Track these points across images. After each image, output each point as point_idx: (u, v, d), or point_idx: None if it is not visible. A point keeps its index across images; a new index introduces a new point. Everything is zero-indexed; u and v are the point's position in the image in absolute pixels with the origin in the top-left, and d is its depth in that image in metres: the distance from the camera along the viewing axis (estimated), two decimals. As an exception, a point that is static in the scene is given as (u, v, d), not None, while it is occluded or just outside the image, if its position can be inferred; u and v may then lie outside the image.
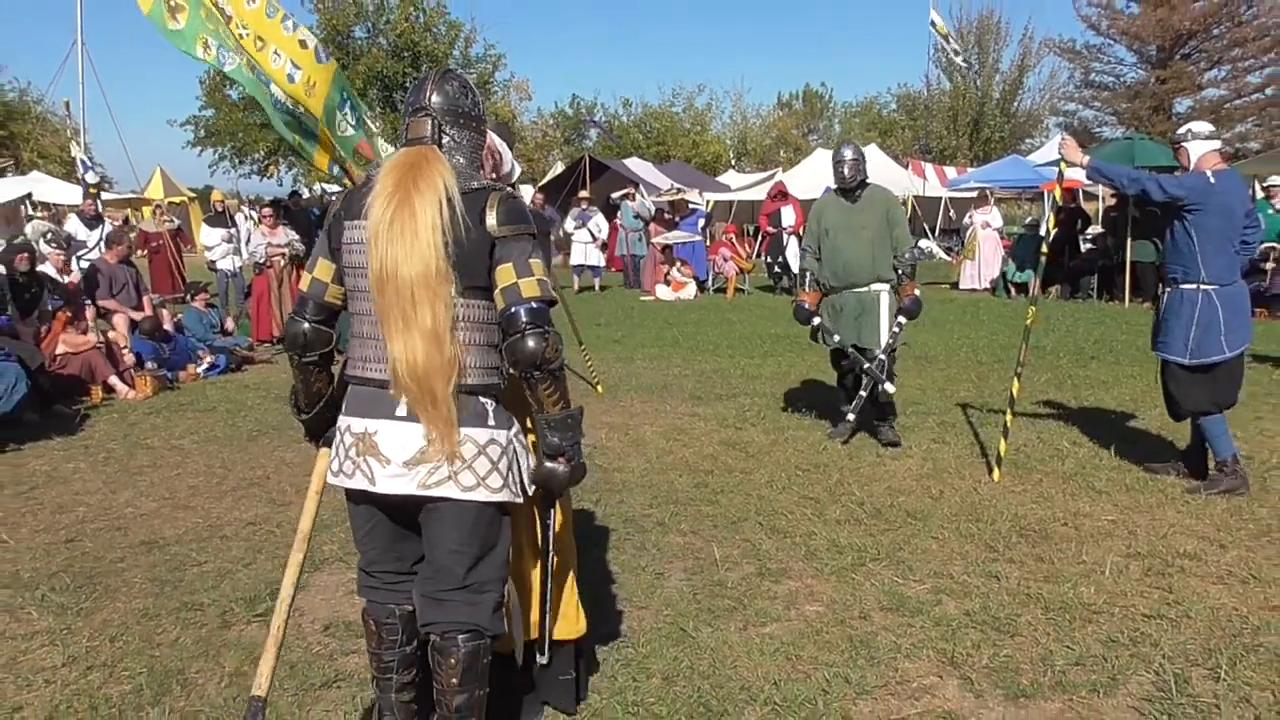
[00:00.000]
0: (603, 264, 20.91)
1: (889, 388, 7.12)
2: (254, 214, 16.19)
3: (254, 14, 8.12)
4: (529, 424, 3.11)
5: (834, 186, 7.44)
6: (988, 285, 19.20)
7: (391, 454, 2.85)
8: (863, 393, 7.20)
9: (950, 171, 29.19)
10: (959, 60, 36.90)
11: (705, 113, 46.90)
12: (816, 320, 7.34)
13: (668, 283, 18.63)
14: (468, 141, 3.04)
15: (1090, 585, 4.52)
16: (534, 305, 2.82)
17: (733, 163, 42.95)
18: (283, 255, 12.90)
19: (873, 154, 30.56)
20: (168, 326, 10.73)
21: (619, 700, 3.55)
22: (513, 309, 2.82)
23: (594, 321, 14.38)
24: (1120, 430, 7.46)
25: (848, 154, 7.27)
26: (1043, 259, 7.21)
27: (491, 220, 2.83)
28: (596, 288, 20.10)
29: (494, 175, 3.42)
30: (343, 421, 2.99)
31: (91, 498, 6.11)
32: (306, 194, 25.77)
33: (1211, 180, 5.87)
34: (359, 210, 2.85)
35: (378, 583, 3.11)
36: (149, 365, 9.72)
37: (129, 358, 9.62)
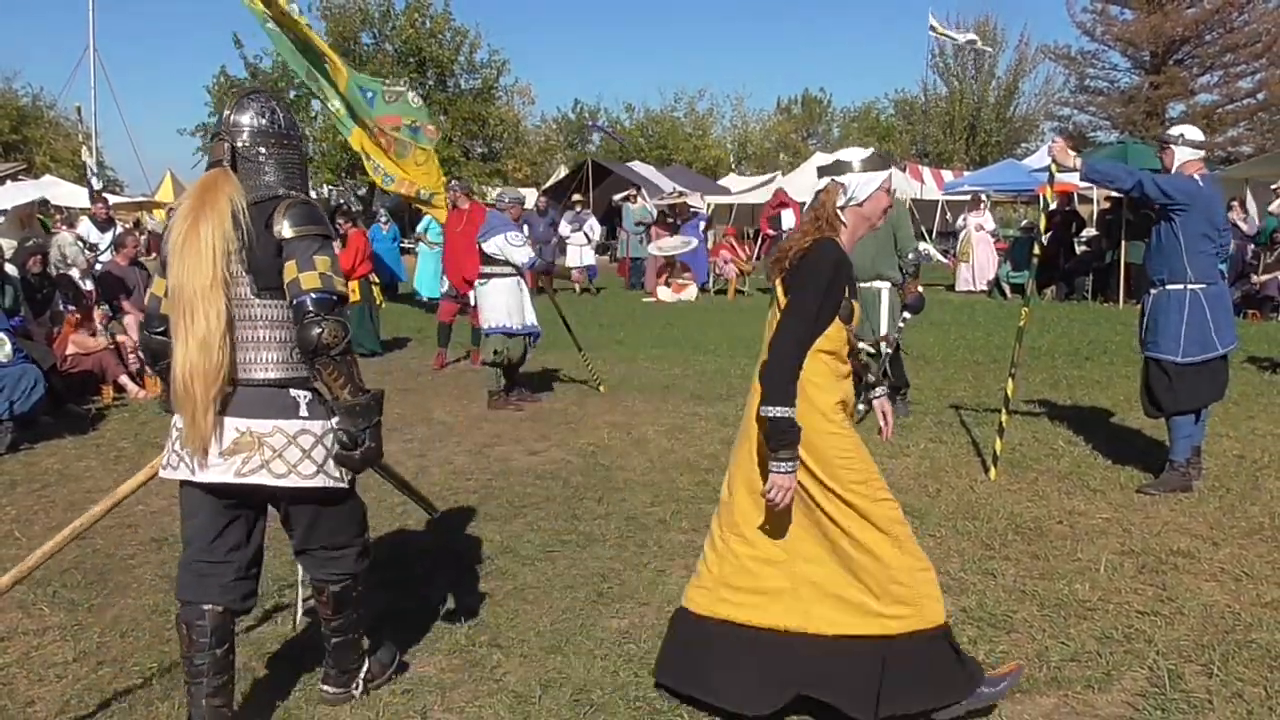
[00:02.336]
0: (597, 264, 21.08)
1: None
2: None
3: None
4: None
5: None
6: (984, 287, 19.28)
7: (213, 445, 3.09)
8: (870, 377, 7.28)
9: (947, 175, 29.34)
10: (962, 40, 36.70)
11: (706, 117, 47.09)
12: None
13: (669, 284, 18.70)
14: (272, 157, 3.25)
15: (1085, 582, 4.58)
16: (315, 296, 3.05)
17: (733, 166, 43.07)
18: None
19: (870, 157, 30.73)
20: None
21: (621, 696, 3.60)
22: (296, 300, 3.06)
23: (596, 322, 14.46)
24: (1115, 430, 7.53)
25: (856, 161, 7.27)
26: (1034, 260, 7.29)
27: (278, 226, 3.10)
28: (592, 288, 20.21)
29: None
30: (175, 419, 3.20)
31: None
32: (315, 197, 25.87)
33: (1200, 184, 5.95)
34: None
35: (192, 577, 3.22)
36: (160, 365, 9.78)
37: (137, 358, 9.67)
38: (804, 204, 20.32)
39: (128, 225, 15.93)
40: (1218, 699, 3.54)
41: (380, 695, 3.61)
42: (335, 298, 3.09)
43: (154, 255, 15.06)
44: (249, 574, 3.30)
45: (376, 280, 11.94)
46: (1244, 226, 16.11)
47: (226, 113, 3.29)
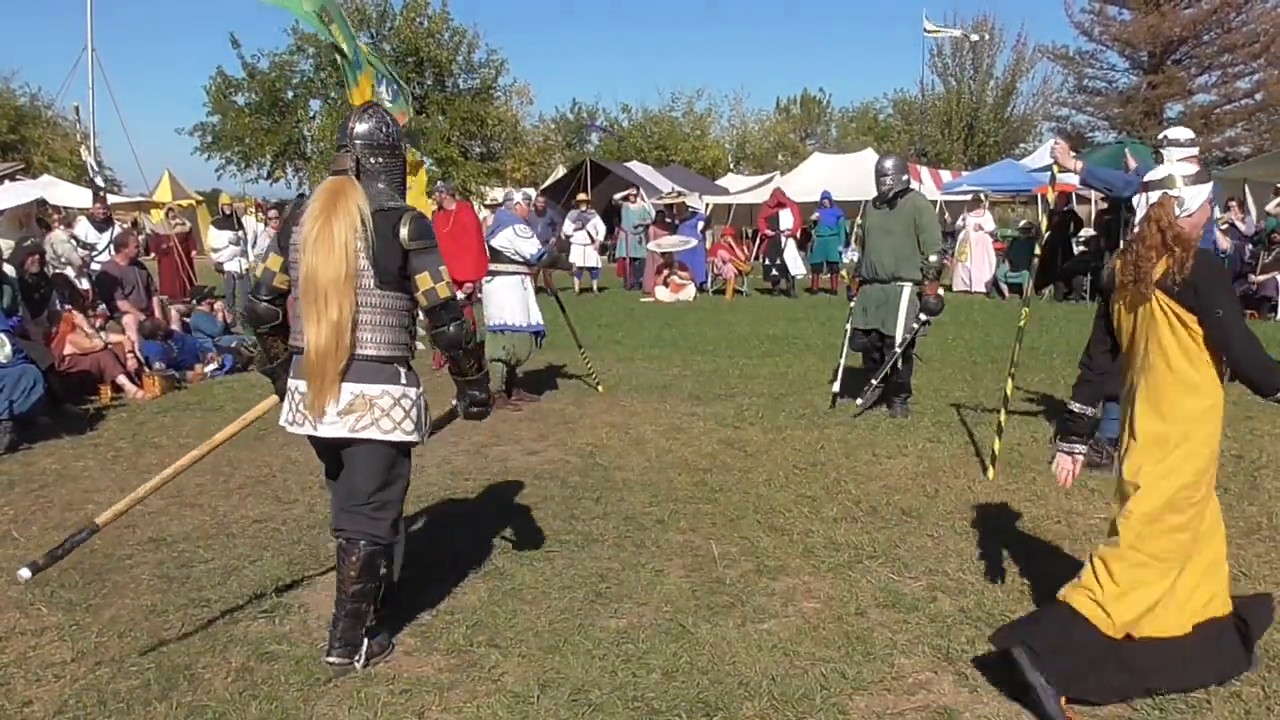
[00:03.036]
0: (600, 265, 21.00)
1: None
2: (262, 216, 16.23)
3: None
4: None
5: (874, 195, 8.32)
6: (981, 287, 19.28)
7: (327, 406, 3.71)
8: (881, 373, 8.03)
9: (945, 175, 29.33)
10: (957, 34, 36.70)
11: (705, 117, 47.06)
12: (852, 304, 8.43)
13: (667, 284, 18.71)
14: (384, 166, 3.86)
15: (1083, 582, 4.58)
16: (444, 301, 3.79)
17: (731, 166, 43.09)
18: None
19: (868, 158, 30.70)
20: (174, 326, 10.81)
21: (619, 695, 3.61)
22: (434, 307, 3.78)
23: (595, 322, 14.45)
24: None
25: (887, 167, 8.19)
26: (1035, 260, 7.28)
27: (403, 234, 3.70)
28: (595, 289, 20.19)
29: None
30: (291, 383, 3.87)
31: (100, 495, 6.16)
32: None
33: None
34: (296, 219, 3.76)
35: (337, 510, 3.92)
36: (157, 365, 9.78)
37: (131, 357, 9.67)
38: (801, 204, 20.29)
39: (126, 225, 15.91)
40: (1215, 699, 3.55)
41: (378, 695, 3.61)
42: (453, 302, 3.84)
43: (152, 255, 15.05)
44: None
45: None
46: (1242, 226, 16.14)
47: (350, 124, 3.86)
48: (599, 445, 7.27)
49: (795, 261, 19.91)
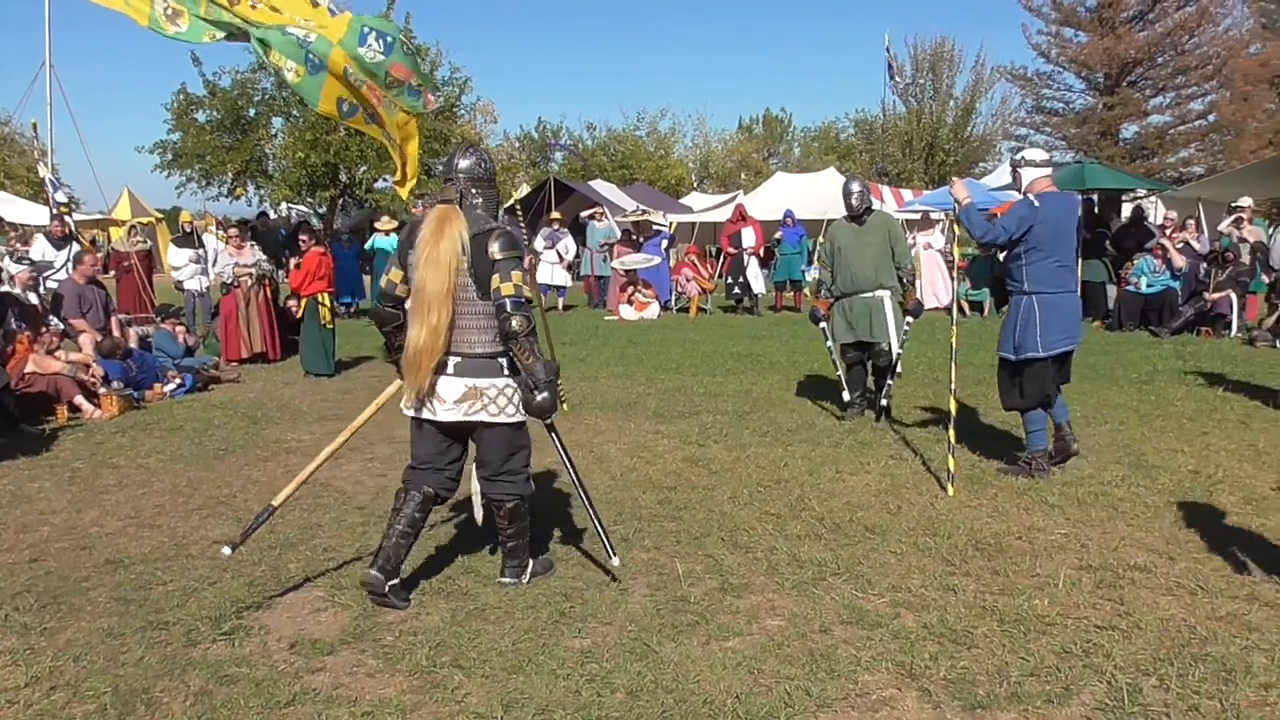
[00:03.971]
0: (568, 284, 20.94)
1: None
2: (222, 234, 16.09)
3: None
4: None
5: (844, 214, 8.86)
6: (937, 304, 19.38)
7: (446, 396, 4.57)
8: (884, 380, 8.63)
9: (906, 194, 29.59)
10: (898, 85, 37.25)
11: (668, 136, 47.24)
12: (824, 324, 8.83)
13: (631, 303, 18.72)
14: (483, 195, 4.68)
15: (1044, 598, 4.62)
16: (510, 300, 4.44)
17: (695, 185, 43.25)
18: (250, 275, 12.84)
19: (831, 177, 30.96)
20: (132, 344, 10.68)
21: (584, 715, 3.59)
22: (498, 303, 4.46)
23: (559, 341, 14.36)
24: (1073, 447, 7.59)
25: (854, 187, 8.85)
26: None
27: (493, 248, 4.46)
28: (560, 307, 20.13)
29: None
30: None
31: (56, 517, 6.07)
32: (273, 215, 25.60)
33: (1036, 204, 6.58)
34: (413, 241, 4.55)
35: (414, 474, 4.76)
36: (115, 385, 9.64)
37: (97, 372, 9.55)
38: (763, 222, 20.47)
39: (85, 243, 15.72)
40: (1174, 713, 3.58)
41: (340, 717, 3.59)
42: (524, 300, 4.48)
43: (112, 273, 14.87)
44: (456, 477, 4.83)
45: (325, 301, 11.65)
46: (1196, 245, 16.38)
47: (455, 161, 4.70)
48: (562, 463, 7.24)
49: (757, 279, 20.02)
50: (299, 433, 8.54)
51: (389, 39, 8.86)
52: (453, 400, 4.57)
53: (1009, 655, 4.05)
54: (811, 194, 27.57)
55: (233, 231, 13.97)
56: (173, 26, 7.99)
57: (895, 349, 8.54)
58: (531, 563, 4.94)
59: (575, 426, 8.51)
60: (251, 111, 25.72)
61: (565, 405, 9.34)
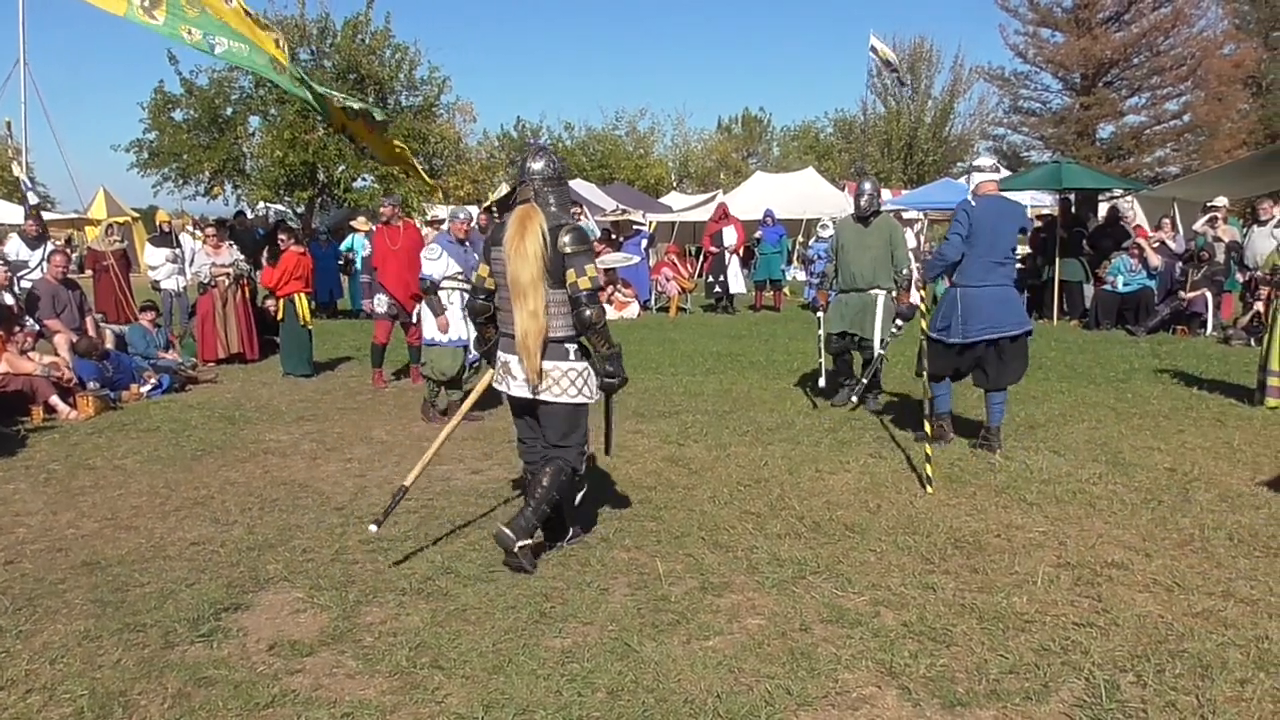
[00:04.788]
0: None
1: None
2: (199, 233, 15.97)
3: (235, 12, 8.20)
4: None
5: (852, 212, 9.40)
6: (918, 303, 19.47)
7: (517, 375, 5.11)
8: (862, 377, 9.17)
9: (886, 194, 29.65)
10: (895, 82, 37.47)
11: (648, 136, 47.24)
12: (820, 314, 9.48)
13: (611, 302, 18.70)
14: (555, 194, 5.14)
15: (1023, 595, 4.64)
16: (586, 292, 4.93)
17: (675, 185, 43.29)
18: (227, 275, 12.75)
19: (810, 176, 31.06)
20: (109, 345, 10.60)
21: (564, 715, 3.58)
22: (574, 295, 4.94)
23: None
24: (1050, 443, 7.65)
25: (867, 188, 9.33)
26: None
27: (564, 241, 4.93)
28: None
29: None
30: (501, 356, 5.22)
31: (32, 519, 6.02)
32: (251, 214, 25.42)
33: (972, 204, 7.32)
34: (498, 239, 5.08)
35: (525, 446, 5.45)
36: (91, 385, 9.55)
37: (68, 374, 9.46)
38: (745, 221, 20.52)
39: (59, 243, 15.57)
40: (1152, 709, 3.61)
41: (320, 719, 3.57)
42: (596, 292, 4.96)
43: (89, 272, 14.74)
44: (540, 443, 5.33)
45: (303, 301, 11.53)
46: (1172, 245, 16.49)
47: (527, 164, 5.14)
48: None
49: (737, 279, 20.03)
50: (277, 433, 8.50)
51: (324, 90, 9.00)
52: (522, 378, 5.09)
53: (988, 653, 4.07)
54: (791, 194, 27.64)
55: (210, 231, 13.86)
56: (150, 19, 7.99)
57: (877, 347, 8.98)
58: (571, 530, 5.49)
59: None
60: (229, 110, 25.49)
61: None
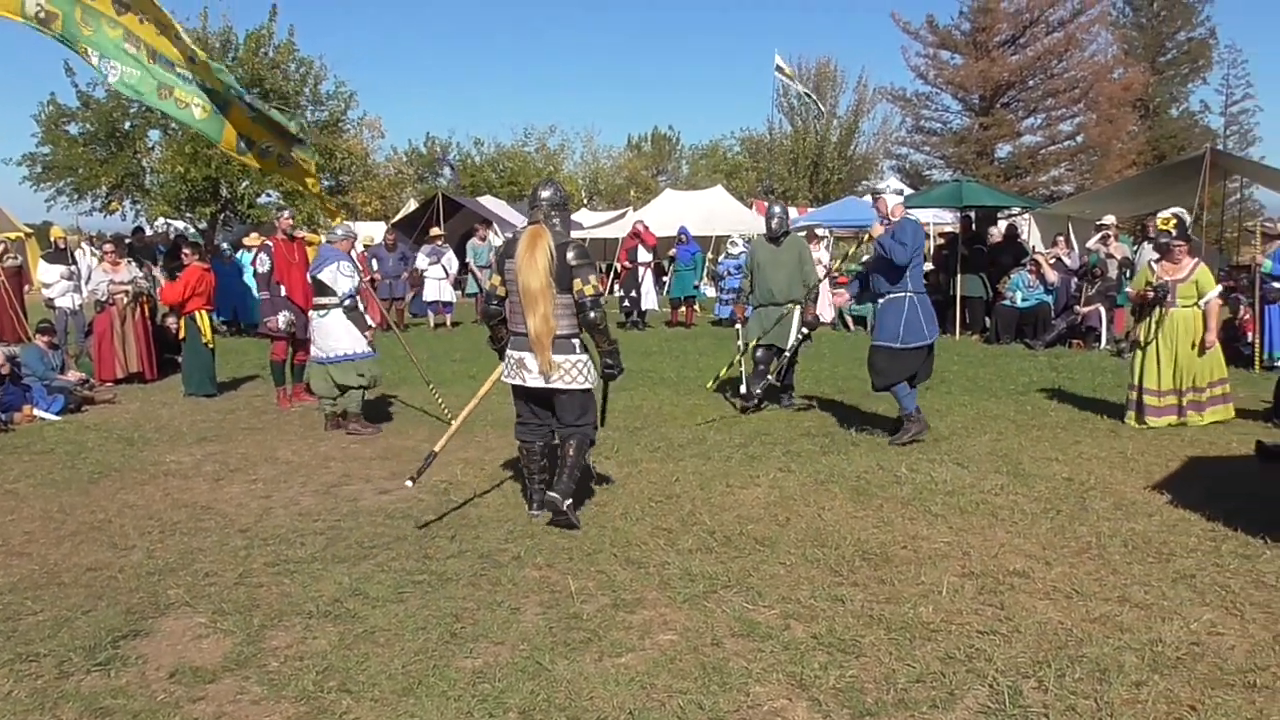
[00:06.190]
0: (455, 300, 20.67)
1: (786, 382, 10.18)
2: (96, 250, 15.47)
3: (130, 20, 7.96)
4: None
5: (764, 233, 10.22)
6: (829, 320, 19.71)
7: (532, 369, 5.97)
8: (770, 377, 9.91)
9: (793, 212, 30.04)
10: (802, 97, 37.88)
11: (557, 153, 47.21)
12: (739, 326, 10.26)
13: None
14: (559, 217, 6.04)
15: (929, 605, 4.72)
16: (590, 298, 5.88)
17: (585, 201, 43.29)
18: (126, 293, 12.39)
19: (719, 194, 31.30)
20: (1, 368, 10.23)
21: (477, 734, 3.55)
22: (580, 300, 5.89)
23: (449, 358, 14.30)
24: (954, 455, 7.80)
25: (776, 211, 10.22)
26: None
27: (569, 256, 5.84)
28: (448, 324, 19.88)
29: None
30: (511, 353, 6.09)
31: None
32: (151, 230, 24.78)
33: (911, 221, 8.23)
34: (510, 253, 5.99)
35: (524, 430, 6.31)
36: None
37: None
38: (659, 238, 20.48)
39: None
40: (1053, 713, 3.69)
41: (223, 748, 3.48)
42: (598, 297, 5.94)
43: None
44: (548, 429, 6.26)
45: (205, 319, 11.25)
46: (1068, 261, 16.97)
47: (538, 192, 6.09)
48: (453, 482, 7.18)
49: (649, 295, 20.02)
50: (178, 455, 8.28)
51: (247, 97, 8.90)
52: (536, 370, 5.93)
53: (896, 663, 4.12)
54: (700, 211, 27.81)
55: (108, 248, 13.48)
56: (47, 31, 7.76)
57: (787, 351, 9.86)
58: (572, 498, 6.10)
59: (466, 444, 8.43)
60: (128, 124, 24.82)
61: (454, 422, 9.24)
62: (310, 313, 9.29)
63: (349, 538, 5.91)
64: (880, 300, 8.44)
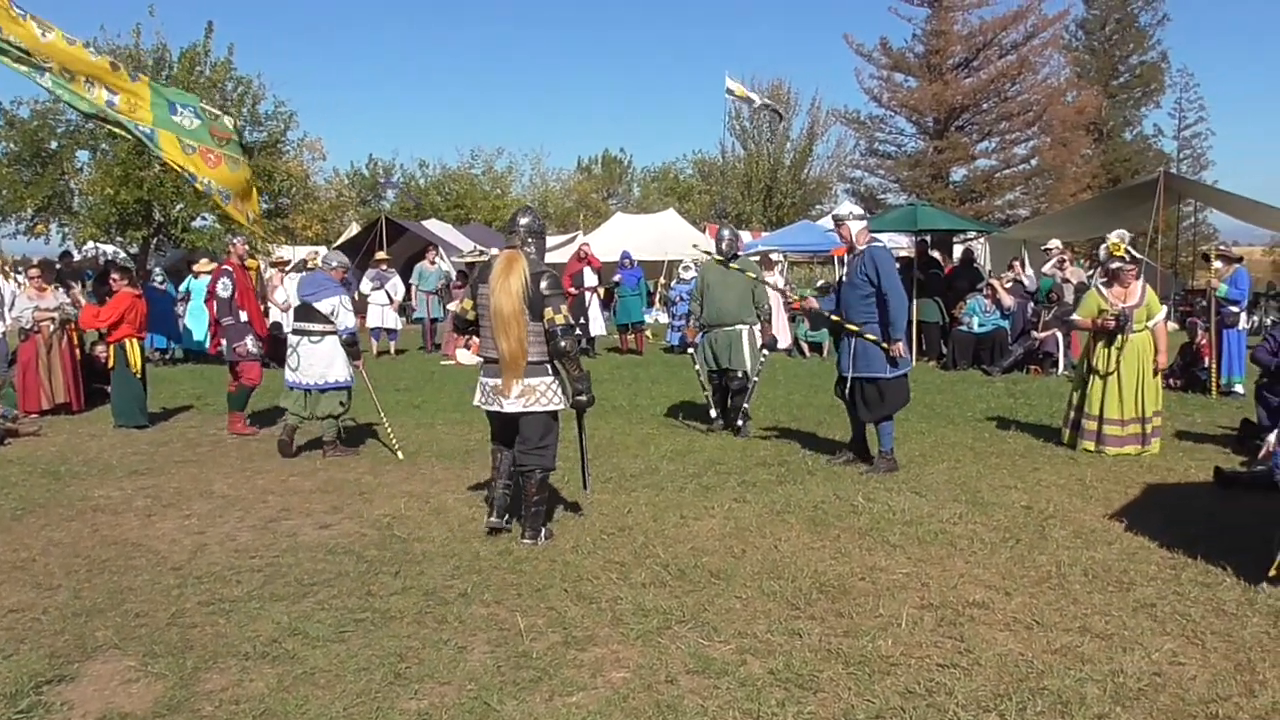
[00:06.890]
0: (400, 327, 20.28)
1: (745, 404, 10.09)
2: (19, 276, 15.00)
3: (51, 45, 7.77)
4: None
5: (714, 254, 10.39)
6: (782, 347, 19.67)
7: (510, 393, 6.10)
8: (740, 400, 9.99)
9: (746, 235, 30.13)
10: (759, 111, 37.95)
11: (505, 175, 47.02)
12: (691, 350, 10.55)
13: (468, 346, 18.34)
14: (535, 244, 6.25)
15: (888, 638, 4.62)
16: (561, 327, 6.02)
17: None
18: (52, 320, 11.98)
19: (671, 218, 31.32)
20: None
21: (419, 785, 3.37)
22: (550, 329, 6.03)
23: (393, 386, 14.05)
24: (912, 484, 7.73)
25: (726, 234, 10.46)
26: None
27: (542, 285, 6.00)
28: (392, 351, 19.51)
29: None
30: (482, 379, 6.32)
31: None
32: (79, 255, 24.22)
33: (885, 248, 8.35)
34: (484, 277, 6.15)
35: (496, 440, 6.45)
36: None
37: None
38: (605, 262, 20.42)
39: None
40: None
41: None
42: (571, 326, 6.11)
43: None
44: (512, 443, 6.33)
45: (135, 348, 10.91)
46: (1026, 283, 17.05)
47: (517, 219, 6.23)
48: (397, 516, 6.98)
49: (597, 321, 19.75)
50: (107, 489, 7.97)
51: (193, 108, 8.73)
52: (515, 396, 6.10)
53: (854, 698, 4.02)
54: (652, 234, 27.81)
55: (34, 272, 13.03)
56: None
57: (752, 376, 9.97)
58: (544, 528, 6.29)
59: (411, 476, 8.23)
60: (54, 144, 24.18)
61: (400, 453, 9.05)
62: (292, 338, 9.22)
63: (288, 575, 5.69)
64: (851, 328, 8.24)
